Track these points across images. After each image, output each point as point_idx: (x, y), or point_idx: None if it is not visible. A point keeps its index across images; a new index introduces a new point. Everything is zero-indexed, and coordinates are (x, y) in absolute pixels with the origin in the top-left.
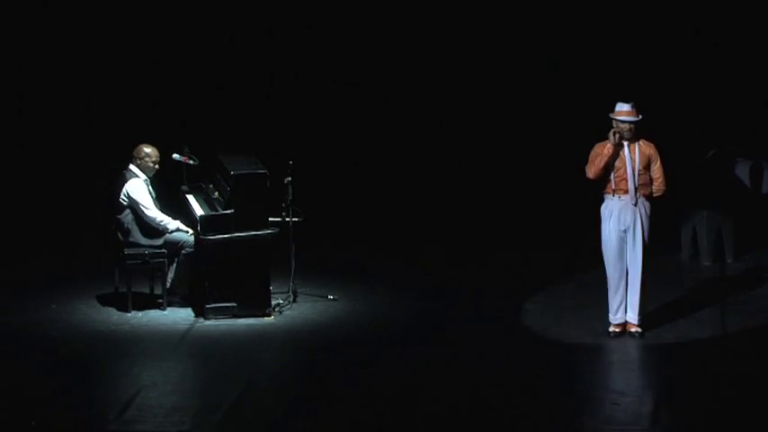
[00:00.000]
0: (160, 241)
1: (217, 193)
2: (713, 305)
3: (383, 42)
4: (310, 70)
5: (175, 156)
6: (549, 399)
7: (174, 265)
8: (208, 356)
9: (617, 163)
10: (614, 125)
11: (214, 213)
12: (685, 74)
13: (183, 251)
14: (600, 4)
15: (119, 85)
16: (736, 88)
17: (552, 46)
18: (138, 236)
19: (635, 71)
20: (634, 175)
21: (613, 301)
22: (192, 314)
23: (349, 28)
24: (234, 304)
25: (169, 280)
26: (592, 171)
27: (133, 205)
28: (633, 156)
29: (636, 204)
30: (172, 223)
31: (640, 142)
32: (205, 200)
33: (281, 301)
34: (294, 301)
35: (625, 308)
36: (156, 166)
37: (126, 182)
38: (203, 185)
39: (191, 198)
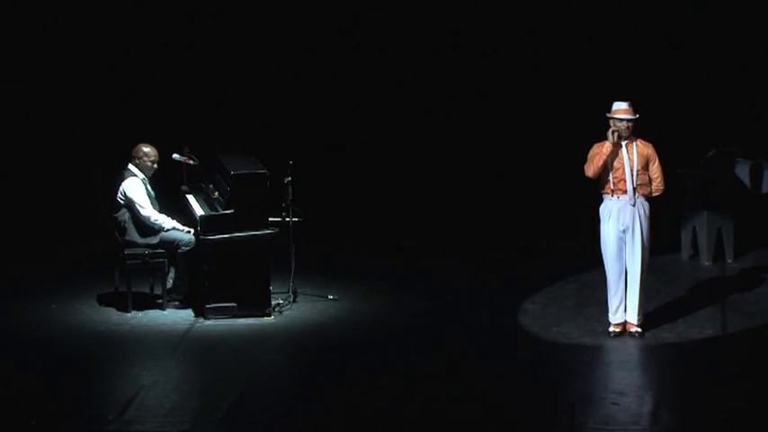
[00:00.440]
0: (156, 240)
1: (217, 193)
2: (713, 305)
3: (383, 42)
4: (310, 70)
5: (175, 156)
6: (549, 399)
7: (173, 265)
8: (208, 356)
9: (615, 163)
10: (612, 124)
11: (214, 213)
12: (685, 74)
13: (179, 250)
14: (601, 3)
15: (119, 86)
16: (737, 88)
17: (552, 45)
18: (134, 234)
19: (635, 71)
20: (632, 175)
21: (613, 301)
22: (192, 314)
23: (349, 28)
24: (234, 304)
25: (170, 280)
26: (591, 170)
27: (129, 204)
28: (631, 156)
29: (634, 205)
30: (167, 222)
31: (638, 142)
32: (205, 200)
33: (281, 301)
34: (294, 301)
35: (625, 308)
36: (155, 166)
37: (123, 181)
38: (203, 185)
39: (191, 198)
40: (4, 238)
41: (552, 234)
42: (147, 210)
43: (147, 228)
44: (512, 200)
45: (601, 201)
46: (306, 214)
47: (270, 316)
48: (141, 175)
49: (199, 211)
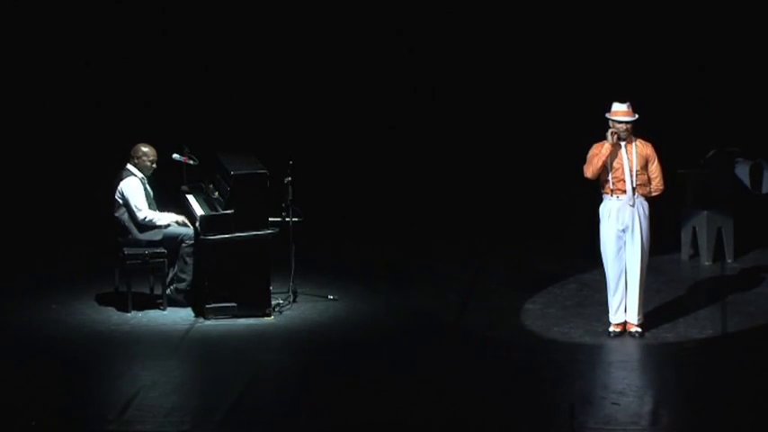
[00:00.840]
0: (159, 237)
1: (217, 193)
2: (713, 305)
3: (383, 42)
4: (310, 70)
5: (175, 156)
6: (549, 399)
7: (178, 260)
8: (208, 356)
9: (615, 163)
10: (611, 125)
11: (214, 213)
12: (686, 74)
13: (183, 244)
14: (601, 2)
15: (119, 86)
16: (737, 88)
17: (553, 45)
18: (135, 233)
19: (635, 71)
20: (631, 176)
21: (613, 300)
22: (192, 314)
23: (349, 28)
24: (234, 304)
25: (173, 273)
26: (589, 171)
27: (126, 204)
28: (630, 156)
29: (633, 205)
30: (163, 219)
31: (637, 142)
32: (205, 200)
33: (281, 301)
34: (294, 301)
35: (624, 307)
36: (154, 166)
37: (121, 181)
38: (203, 185)
39: (191, 198)
40: (4, 238)
41: (552, 234)
42: (144, 211)
43: (146, 226)
44: (512, 200)
45: (600, 200)
46: (306, 214)
47: (270, 316)
48: (140, 175)
49: (199, 211)
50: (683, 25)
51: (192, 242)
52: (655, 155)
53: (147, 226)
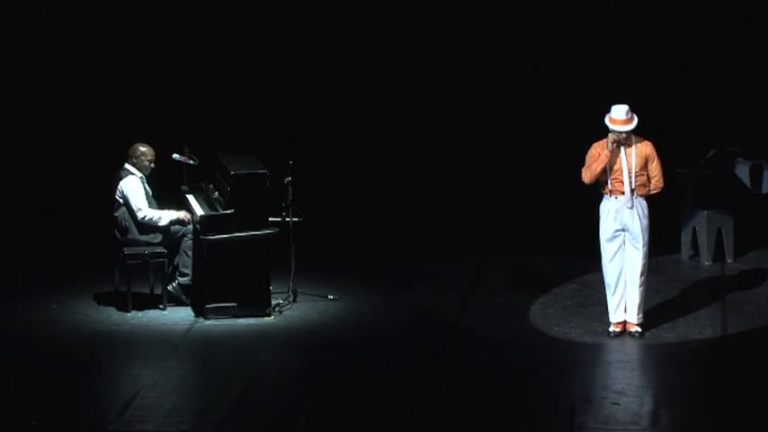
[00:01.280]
0: (159, 238)
1: (217, 193)
2: (713, 305)
3: (383, 42)
4: (311, 70)
5: (175, 156)
6: (549, 399)
7: (179, 255)
8: (208, 356)
9: (614, 165)
10: (611, 132)
11: (214, 213)
12: (686, 73)
13: (185, 238)
14: (601, 4)
15: (119, 86)
16: (737, 88)
17: (553, 45)
18: (135, 233)
19: (635, 71)
20: (630, 178)
21: (612, 300)
22: (192, 314)
23: (349, 28)
24: (234, 304)
25: (175, 266)
26: (587, 176)
27: (126, 203)
28: (630, 159)
29: (632, 207)
30: (163, 219)
31: (637, 143)
32: (205, 200)
33: (281, 301)
34: (294, 301)
35: (624, 307)
36: (152, 165)
37: (120, 180)
38: (203, 185)
39: (191, 198)
40: (4, 238)
41: (552, 234)
42: (143, 211)
43: (147, 226)
44: (512, 200)
45: (600, 200)
46: (306, 214)
47: (270, 316)
48: (139, 174)
49: (199, 211)
50: (684, 25)
51: (193, 237)
52: (654, 154)
53: (148, 226)
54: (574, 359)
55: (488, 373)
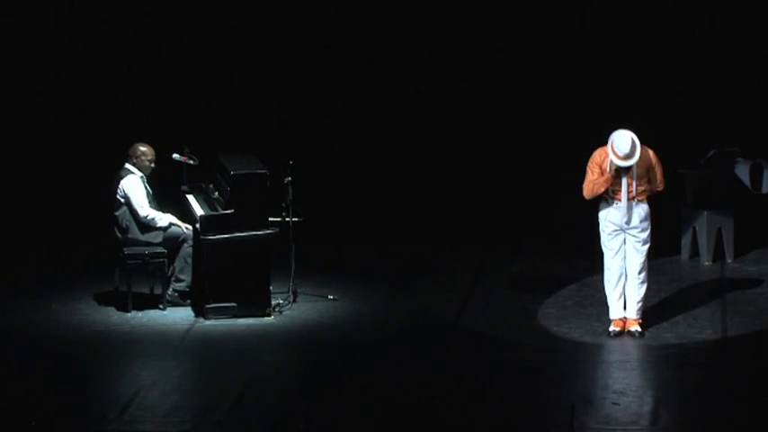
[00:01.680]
0: (159, 238)
1: (217, 193)
2: (713, 305)
3: (383, 42)
4: (311, 70)
5: (175, 156)
6: (549, 399)
7: (177, 260)
8: (208, 356)
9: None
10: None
11: (214, 213)
12: (686, 73)
13: (185, 244)
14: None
15: (118, 85)
16: (737, 88)
17: (553, 44)
18: (136, 233)
19: (635, 70)
20: (630, 188)
21: (612, 296)
22: (192, 314)
23: (349, 29)
24: (234, 304)
25: (172, 272)
26: (588, 194)
27: (128, 202)
28: (630, 174)
29: (629, 217)
30: (164, 220)
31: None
32: (205, 200)
33: (281, 301)
34: (294, 301)
35: (624, 304)
36: (153, 165)
37: (121, 179)
38: (203, 185)
39: (191, 198)
40: (4, 238)
41: (552, 234)
42: (145, 209)
43: (148, 226)
44: (512, 200)
45: (599, 202)
46: (306, 214)
47: (270, 316)
48: (139, 174)
49: (199, 211)
50: (684, 25)
51: (193, 244)
52: (656, 160)
53: (149, 226)
54: (574, 359)
55: (488, 373)
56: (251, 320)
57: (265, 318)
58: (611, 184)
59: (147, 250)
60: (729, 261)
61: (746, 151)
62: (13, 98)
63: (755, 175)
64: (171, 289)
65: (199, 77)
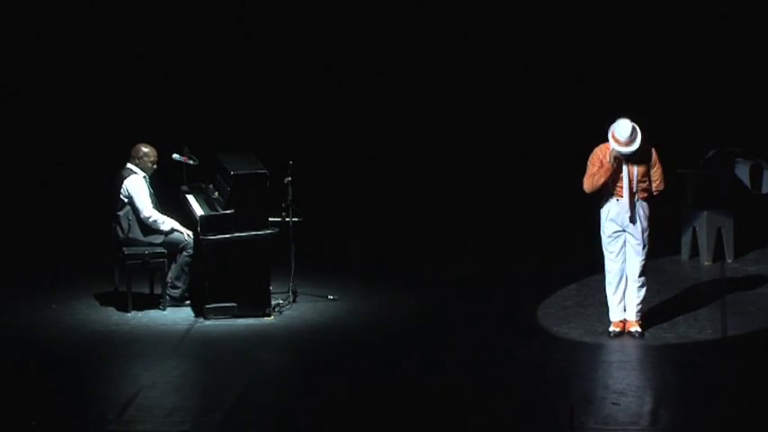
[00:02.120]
0: (159, 239)
1: (217, 193)
2: (713, 305)
3: (382, 43)
4: (310, 70)
5: (175, 156)
6: (549, 399)
7: (175, 264)
8: (208, 356)
9: (616, 170)
10: (613, 148)
11: (214, 213)
12: (686, 74)
13: (184, 252)
14: (602, 5)
15: (118, 85)
16: (737, 88)
17: (554, 44)
18: (137, 233)
19: (635, 71)
20: (631, 184)
21: (613, 298)
22: (192, 314)
23: (349, 29)
24: (234, 304)
25: (169, 278)
26: (588, 187)
27: (131, 202)
28: (631, 168)
29: (632, 215)
30: (166, 223)
31: (640, 149)
32: (205, 200)
33: (281, 301)
34: (294, 301)
35: (624, 307)
36: (155, 166)
37: (125, 179)
38: (203, 185)
39: (191, 198)
40: (4, 238)
41: (552, 234)
42: (148, 210)
43: (149, 227)
44: (512, 200)
45: (601, 200)
46: (306, 214)
47: (270, 316)
48: (142, 174)
49: (199, 211)
50: (684, 25)
51: (192, 252)
52: (656, 159)
53: (150, 227)
54: (574, 359)
55: (488, 373)
56: (251, 320)
57: (265, 318)
58: (613, 179)
59: (147, 250)
60: (729, 261)
61: (746, 151)
62: (13, 98)
63: (755, 175)
64: (166, 293)
65: (199, 77)
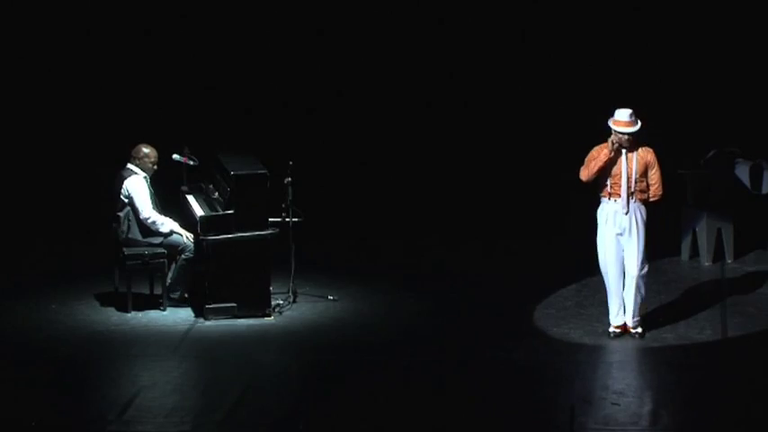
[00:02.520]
0: (158, 241)
1: (217, 194)
2: (713, 306)
3: (383, 43)
4: (310, 70)
5: (175, 156)
6: (549, 399)
7: (174, 266)
8: (208, 357)
9: (614, 169)
10: (613, 133)
11: (214, 214)
12: (686, 74)
13: (183, 255)
14: (602, 5)
15: (118, 85)
16: (737, 88)
17: (554, 45)
18: (136, 233)
19: (635, 71)
20: (629, 183)
21: (612, 303)
22: (192, 314)
23: (349, 29)
24: (234, 304)
25: (169, 278)
26: (585, 174)
27: (131, 203)
28: (630, 164)
29: (627, 213)
30: (166, 225)
31: (639, 149)
32: (205, 200)
33: (281, 302)
34: (294, 301)
35: (624, 310)
36: (155, 167)
37: (125, 179)
38: (203, 185)
39: (191, 198)
40: (3, 238)
41: (552, 234)
42: (148, 211)
43: (149, 228)
44: (512, 200)
45: (598, 203)
46: (306, 214)
47: (270, 316)
48: (143, 174)
49: (199, 211)
50: (684, 25)
51: (192, 255)
52: (655, 161)
53: (149, 228)
54: (574, 360)
55: (488, 374)
56: (251, 321)
57: (265, 318)
58: (611, 182)
59: (147, 251)
60: (729, 261)
61: (746, 151)
62: (13, 98)
63: (755, 176)
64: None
65: (199, 78)
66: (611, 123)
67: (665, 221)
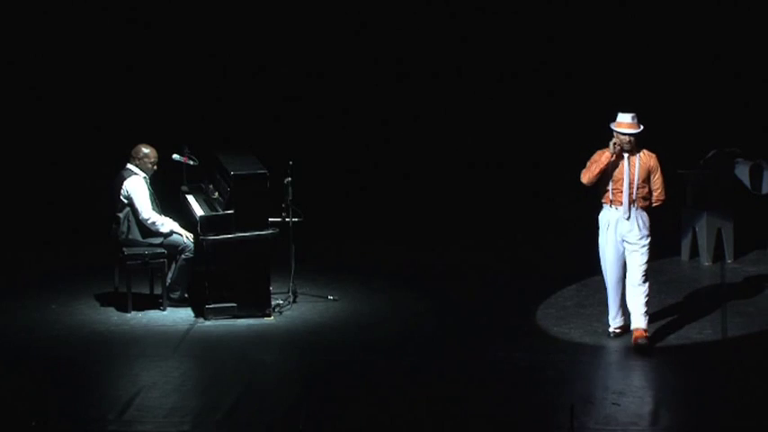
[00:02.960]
0: (158, 240)
1: (217, 194)
2: (713, 306)
3: (383, 43)
4: (310, 70)
5: (175, 156)
6: (549, 399)
7: (174, 266)
8: (208, 357)
9: (615, 174)
10: (615, 136)
11: (214, 214)
12: (686, 74)
13: (183, 255)
14: (601, 6)
15: (118, 85)
16: (737, 89)
17: (554, 47)
18: (136, 233)
19: (635, 71)
20: (631, 189)
21: (613, 306)
22: (192, 314)
23: (349, 30)
24: (234, 305)
25: (169, 278)
26: (586, 177)
27: (131, 203)
28: (632, 169)
29: (629, 219)
30: (166, 226)
31: (642, 153)
32: (205, 200)
33: (281, 302)
34: (294, 301)
35: (623, 313)
36: (155, 167)
37: (125, 180)
38: (203, 185)
39: (191, 198)
40: (3, 238)
41: (552, 234)
42: (147, 212)
43: (149, 228)
44: (512, 201)
45: (599, 209)
46: (306, 214)
47: (270, 316)
48: (142, 174)
49: (199, 211)
50: (684, 26)
51: (191, 255)
52: (658, 166)
53: (150, 229)
54: (574, 359)
55: (488, 373)
56: (251, 321)
57: (265, 318)
58: (613, 188)
59: (146, 251)
60: (729, 262)
61: (746, 151)
62: (13, 98)
63: (755, 176)
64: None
65: (199, 78)
66: (613, 126)
67: (665, 222)
